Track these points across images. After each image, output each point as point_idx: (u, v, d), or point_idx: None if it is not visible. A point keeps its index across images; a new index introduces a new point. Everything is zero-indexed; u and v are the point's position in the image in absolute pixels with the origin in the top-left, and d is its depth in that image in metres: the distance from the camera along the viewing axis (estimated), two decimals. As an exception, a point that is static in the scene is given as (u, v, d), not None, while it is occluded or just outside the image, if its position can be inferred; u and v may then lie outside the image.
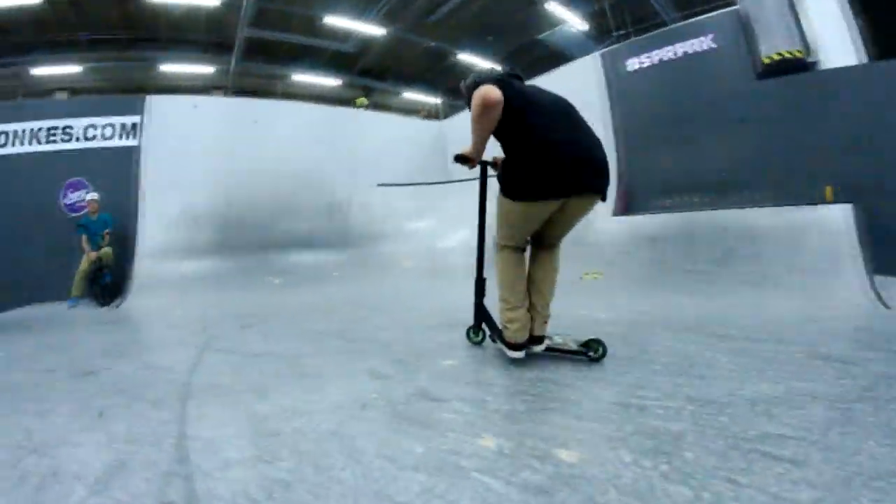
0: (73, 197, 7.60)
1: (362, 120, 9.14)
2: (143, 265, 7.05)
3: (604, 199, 2.27)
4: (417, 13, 14.20)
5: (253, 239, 7.56)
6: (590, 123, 2.31)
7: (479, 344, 2.83)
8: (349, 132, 8.65)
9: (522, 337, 2.34)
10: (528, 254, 2.53)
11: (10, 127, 7.70)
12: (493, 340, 2.63)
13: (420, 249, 8.02)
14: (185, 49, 15.47)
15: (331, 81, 17.59)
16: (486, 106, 2.03)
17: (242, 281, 6.64)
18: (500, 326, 2.47)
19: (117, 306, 6.16)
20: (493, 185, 2.52)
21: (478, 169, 2.65)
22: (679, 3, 12.91)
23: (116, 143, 7.78)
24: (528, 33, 15.21)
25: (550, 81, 7.88)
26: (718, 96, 5.91)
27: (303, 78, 17.42)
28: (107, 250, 6.72)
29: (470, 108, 2.13)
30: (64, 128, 7.77)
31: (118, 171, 7.61)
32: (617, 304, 4.08)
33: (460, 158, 2.39)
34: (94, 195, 6.98)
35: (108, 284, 6.63)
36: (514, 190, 2.20)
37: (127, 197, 7.46)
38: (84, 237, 6.70)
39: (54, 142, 7.71)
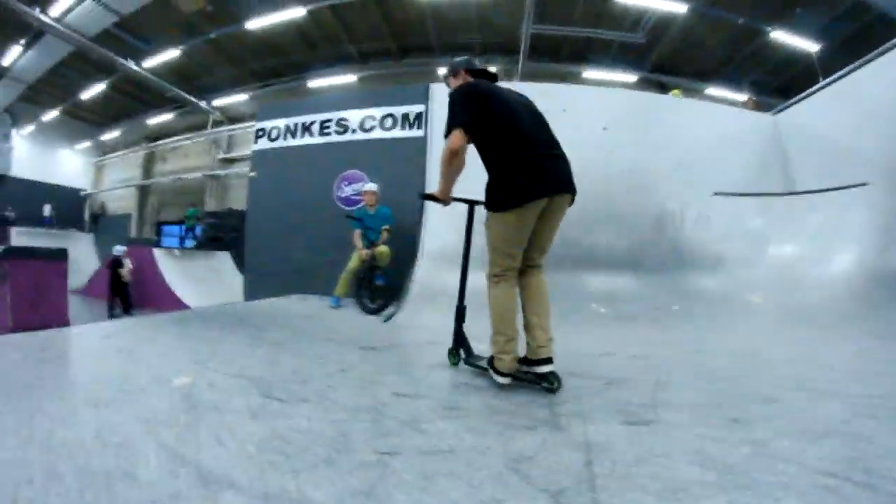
0: (349, 190, 6.97)
1: (682, 109, 6.92)
2: (426, 271, 5.88)
3: (573, 199, 2.49)
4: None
5: (563, 251, 5.79)
6: None
7: (455, 365, 2.83)
8: (670, 124, 6.49)
9: (512, 368, 2.39)
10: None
11: (279, 122, 7.80)
12: (472, 365, 2.71)
13: (773, 280, 5.46)
14: (461, 53, 15.00)
15: (623, 77, 15.67)
16: (452, 156, 2.36)
17: (556, 305, 4.92)
18: (492, 354, 2.48)
19: (388, 318, 4.93)
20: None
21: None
22: None
23: (398, 133, 7.06)
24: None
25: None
26: None
27: (592, 75, 15.91)
28: (383, 249, 5.65)
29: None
30: (338, 120, 7.39)
31: (400, 164, 6.80)
32: None
33: (430, 197, 2.61)
34: (371, 186, 6.06)
35: (381, 288, 5.51)
36: (505, 199, 2.33)
37: (410, 191, 6.40)
38: (357, 232, 5.77)
39: (328, 134, 7.40)
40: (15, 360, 2.63)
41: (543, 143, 2.42)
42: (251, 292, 7.48)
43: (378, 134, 7.10)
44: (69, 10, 12.45)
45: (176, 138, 20.27)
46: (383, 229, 5.78)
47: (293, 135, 7.58)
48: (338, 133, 7.33)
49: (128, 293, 11.17)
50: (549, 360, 2.34)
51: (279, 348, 3.29)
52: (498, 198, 2.36)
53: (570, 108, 6.26)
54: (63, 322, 3.91)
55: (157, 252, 12.23)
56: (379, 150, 6.96)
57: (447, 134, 2.38)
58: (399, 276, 5.85)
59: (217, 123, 19.02)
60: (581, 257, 5.71)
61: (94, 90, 17.52)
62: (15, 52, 15.00)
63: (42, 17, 12.44)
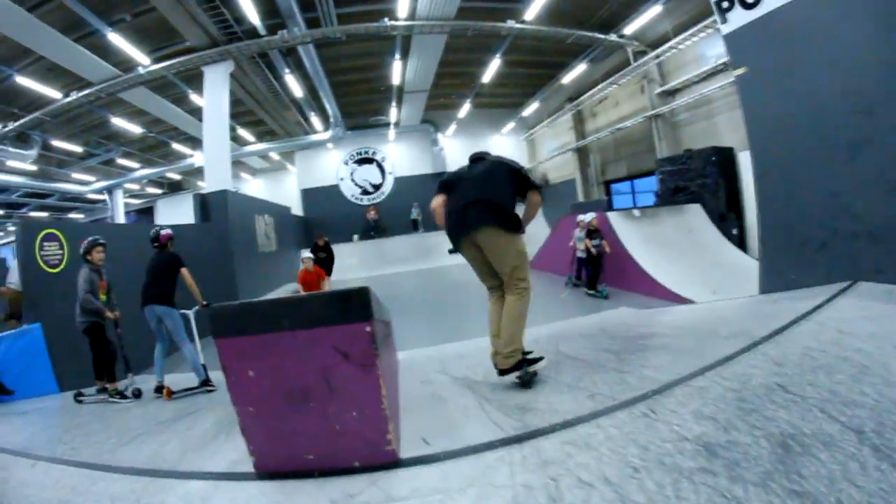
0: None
1: None
2: None
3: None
4: None
5: None
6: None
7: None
8: None
9: None
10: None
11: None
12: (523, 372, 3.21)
13: None
14: None
15: None
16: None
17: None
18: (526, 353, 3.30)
19: None
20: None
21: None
22: None
23: None
24: None
25: None
26: None
27: None
28: None
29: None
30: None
31: None
32: None
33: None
34: None
35: None
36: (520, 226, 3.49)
37: None
38: None
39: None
40: None
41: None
42: (770, 274, 4.74)
43: None
44: (413, 4, 12.36)
45: (598, 88, 18.52)
46: None
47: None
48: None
49: (600, 267, 9.47)
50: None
51: None
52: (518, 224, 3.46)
53: None
54: (379, 456, 2.08)
55: (612, 216, 10.25)
56: None
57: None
58: None
59: (638, 55, 16.20)
60: None
61: (491, 70, 17.40)
62: (397, 68, 16.08)
63: (393, 23, 12.72)
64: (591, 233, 9.46)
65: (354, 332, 2.02)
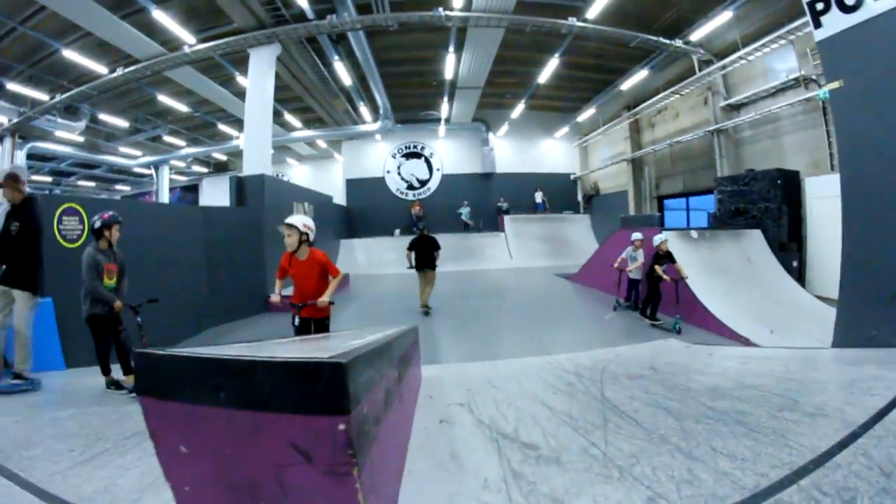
0: None
1: None
2: None
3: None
4: None
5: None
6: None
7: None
8: None
9: None
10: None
11: None
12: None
13: None
14: None
15: None
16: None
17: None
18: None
19: None
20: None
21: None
22: None
23: None
24: None
25: None
26: None
27: None
28: None
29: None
30: None
31: None
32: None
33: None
34: None
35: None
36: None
37: None
38: None
39: None
40: None
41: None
42: (847, 326, 4.19)
43: None
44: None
45: (658, 97, 17.65)
46: None
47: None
48: None
49: (638, 292, 8.84)
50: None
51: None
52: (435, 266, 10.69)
53: None
54: None
55: (669, 237, 9.08)
56: None
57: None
58: None
59: (704, 65, 15.29)
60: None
61: (547, 70, 16.80)
62: (451, 62, 15.50)
63: (448, 13, 12.32)
64: (660, 257, 8.38)
65: (320, 429, 1.23)
